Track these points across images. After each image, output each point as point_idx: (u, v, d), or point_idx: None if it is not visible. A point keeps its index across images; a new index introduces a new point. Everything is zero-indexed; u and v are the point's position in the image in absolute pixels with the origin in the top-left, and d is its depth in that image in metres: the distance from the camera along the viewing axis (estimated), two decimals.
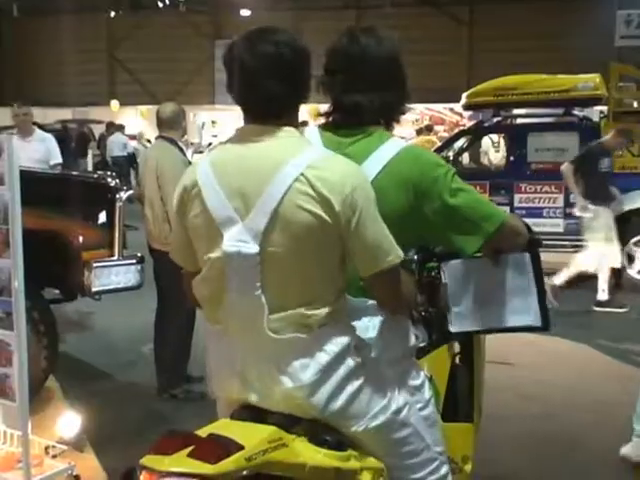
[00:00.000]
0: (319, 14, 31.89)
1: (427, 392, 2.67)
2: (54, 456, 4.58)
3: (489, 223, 2.56)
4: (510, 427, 5.61)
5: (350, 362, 2.34)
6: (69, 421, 4.99)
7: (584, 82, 10.60)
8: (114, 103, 31.73)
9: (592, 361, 7.24)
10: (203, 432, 2.18)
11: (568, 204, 10.32)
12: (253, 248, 2.25)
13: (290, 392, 2.31)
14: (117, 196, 5.93)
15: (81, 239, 5.70)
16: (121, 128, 23.72)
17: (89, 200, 5.92)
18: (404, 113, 2.95)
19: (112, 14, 26.53)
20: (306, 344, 2.29)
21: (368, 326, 2.49)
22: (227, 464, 2.02)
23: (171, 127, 6.08)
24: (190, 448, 2.06)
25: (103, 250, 5.84)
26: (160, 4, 25.01)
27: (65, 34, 30.37)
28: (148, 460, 2.07)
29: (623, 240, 10.14)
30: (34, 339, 5.50)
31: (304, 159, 2.26)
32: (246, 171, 2.31)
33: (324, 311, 2.30)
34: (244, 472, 2.06)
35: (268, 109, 2.37)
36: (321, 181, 2.23)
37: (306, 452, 2.27)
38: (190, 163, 6.05)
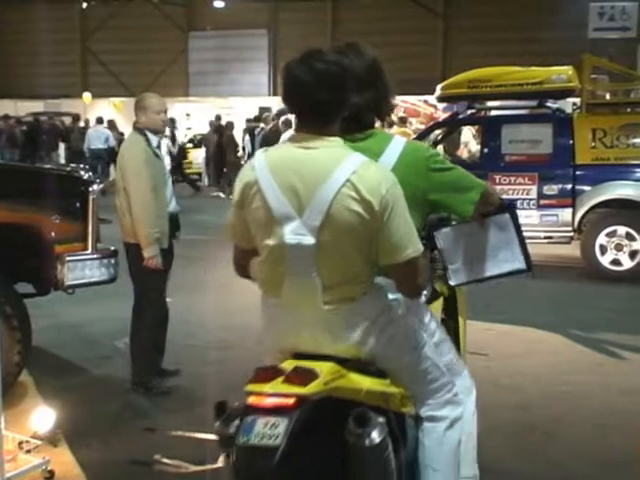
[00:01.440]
0: (295, 5, 31.82)
1: (433, 323, 3.33)
2: (28, 451, 4.55)
3: (475, 192, 3.27)
4: (486, 418, 5.61)
5: (383, 320, 2.96)
6: (43, 416, 4.96)
7: (557, 74, 10.63)
8: (86, 95, 31.50)
9: (565, 350, 7.29)
10: (286, 366, 2.84)
11: (542, 196, 10.37)
12: (311, 240, 2.81)
13: (339, 347, 2.94)
14: (90, 189, 5.88)
15: (54, 232, 5.66)
16: (101, 121, 23.56)
17: (62, 193, 5.87)
18: (393, 108, 3.77)
19: (85, 5, 26.30)
20: (350, 311, 2.91)
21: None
22: (313, 387, 2.68)
23: (141, 116, 6.08)
24: (282, 377, 2.75)
25: (76, 244, 5.80)
26: None
27: (37, 25, 30.16)
28: (253, 387, 2.88)
29: (596, 231, 10.23)
30: (7, 333, 5.47)
31: (349, 166, 2.78)
32: (300, 173, 2.82)
33: (362, 286, 2.92)
34: (321, 394, 2.71)
35: (317, 117, 2.86)
36: (363, 185, 2.75)
37: (360, 380, 2.90)
38: (157, 155, 6.00)
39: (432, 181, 3.18)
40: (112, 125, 23.70)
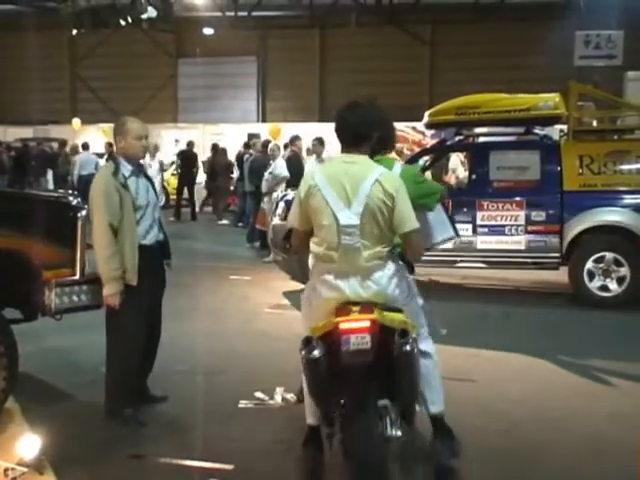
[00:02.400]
0: (283, 33, 31.98)
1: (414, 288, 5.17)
2: (14, 478, 4.54)
3: (438, 194, 5.62)
4: (472, 443, 5.62)
5: (398, 275, 4.65)
6: (29, 443, 4.93)
7: (544, 101, 10.70)
8: (76, 121, 31.52)
9: (553, 376, 7.28)
10: (353, 310, 4.39)
11: (529, 222, 10.41)
12: (357, 221, 4.43)
13: (375, 290, 4.50)
14: (78, 215, 5.87)
15: (42, 258, 5.64)
16: (86, 147, 23.60)
17: (50, 219, 5.86)
18: (394, 147, 5.85)
19: (74, 32, 26.34)
20: (381, 266, 4.54)
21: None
22: (377, 314, 4.35)
23: (117, 140, 5.97)
24: (356, 311, 4.36)
25: (64, 269, 5.78)
26: (123, 22, 24.87)
27: (27, 51, 30.22)
28: (339, 318, 4.35)
29: (584, 257, 10.26)
30: None
31: (376, 173, 4.49)
32: (346, 178, 4.48)
33: (386, 250, 4.56)
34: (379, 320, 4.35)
35: (357, 144, 4.64)
36: (385, 184, 4.45)
37: (392, 314, 4.44)
38: (125, 186, 5.79)
39: (416, 188, 5.21)
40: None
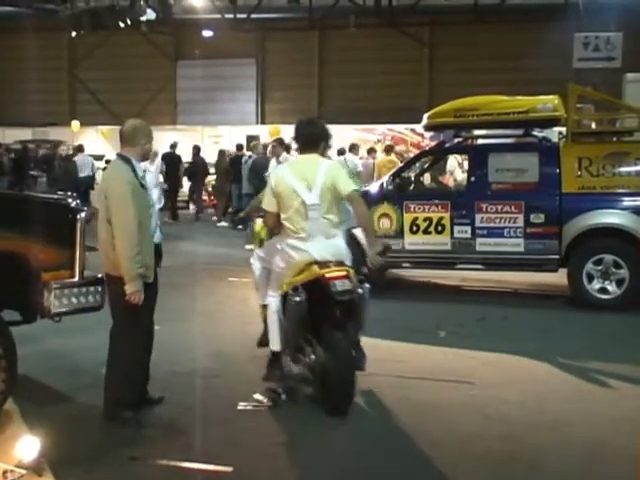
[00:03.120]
0: (282, 35, 31.98)
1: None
2: None
3: (354, 183, 6.44)
4: (470, 446, 5.62)
5: (344, 239, 6.48)
6: (28, 444, 4.93)
7: (543, 103, 10.70)
8: (75, 123, 31.51)
9: (552, 379, 7.28)
10: (326, 268, 6.13)
11: (528, 224, 10.41)
12: (318, 201, 6.20)
13: (333, 252, 6.23)
14: (77, 217, 5.87)
15: (41, 260, 5.64)
16: (81, 149, 23.62)
17: (49, 221, 5.86)
18: (330, 147, 6.97)
19: (73, 34, 26.31)
20: (337, 234, 6.33)
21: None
22: (348, 268, 6.26)
23: (129, 144, 5.98)
24: (332, 266, 6.14)
25: (63, 271, 5.78)
26: (122, 24, 24.85)
27: (25, 53, 30.22)
28: (322, 271, 6.08)
29: (583, 259, 10.27)
30: None
31: (326, 165, 6.38)
32: (307, 172, 6.28)
33: (339, 222, 6.36)
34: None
35: (312, 148, 6.46)
36: (334, 171, 6.31)
37: (349, 268, 6.22)
38: (143, 186, 5.92)
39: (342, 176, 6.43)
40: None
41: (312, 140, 6.49)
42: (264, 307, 6.80)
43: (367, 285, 6.33)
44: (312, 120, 6.88)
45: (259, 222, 7.78)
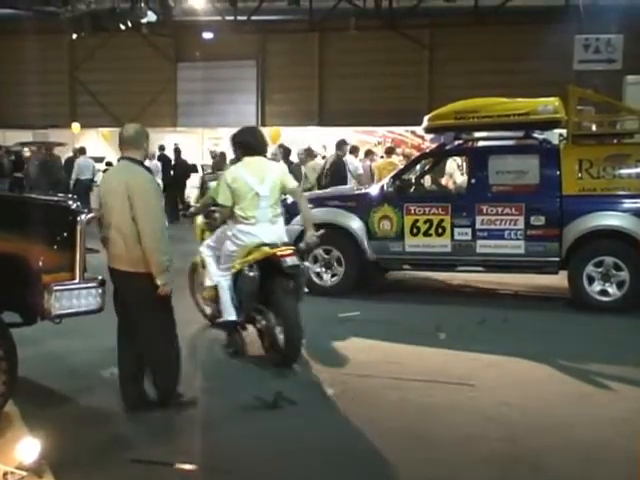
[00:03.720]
0: (282, 37, 31.95)
1: None
2: None
3: (295, 181, 8.27)
4: (471, 448, 5.62)
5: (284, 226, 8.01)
6: (28, 446, 4.93)
7: (544, 105, 10.69)
8: (75, 125, 31.49)
9: (553, 381, 7.28)
10: (276, 248, 7.50)
11: (529, 226, 10.41)
12: (268, 193, 7.56)
13: (277, 235, 7.64)
14: (78, 219, 5.87)
15: (41, 262, 5.63)
16: (83, 151, 23.67)
17: (49, 222, 5.86)
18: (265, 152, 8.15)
19: (74, 36, 26.28)
20: (280, 221, 7.79)
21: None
22: (292, 247, 7.69)
23: (134, 147, 6.16)
24: (280, 247, 7.53)
25: (64, 273, 5.77)
26: (122, 26, 24.82)
27: (26, 55, 30.19)
28: (275, 250, 7.46)
29: (583, 261, 10.26)
30: None
31: (274, 165, 8.28)
32: (258, 170, 7.63)
33: (280, 211, 7.83)
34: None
35: (259, 152, 7.84)
36: (280, 170, 8.02)
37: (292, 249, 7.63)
38: (158, 185, 6.45)
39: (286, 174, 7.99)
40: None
41: (254, 145, 7.83)
42: (212, 288, 8.11)
43: (305, 262, 8.00)
44: (254, 128, 8.62)
45: (200, 218, 9.08)
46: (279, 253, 7.42)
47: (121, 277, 6.09)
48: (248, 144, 7.80)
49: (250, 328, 8.00)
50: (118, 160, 6.48)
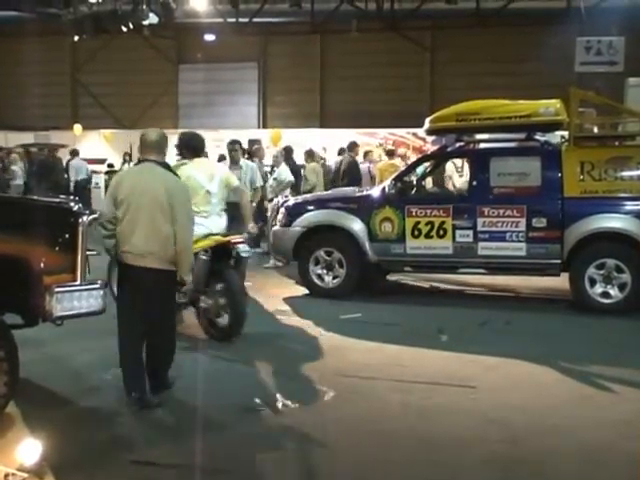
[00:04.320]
0: (284, 38, 31.96)
1: None
2: None
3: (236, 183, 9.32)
4: (472, 451, 5.61)
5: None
6: (30, 448, 4.93)
7: (545, 107, 10.68)
8: (77, 127, 31.53)
9: (554, 383, 7.27)
10: (229, 236, 8.67)
11: (530, 228, 10.40)
12: (217, 190, 8.72)
13: (223, 226, 8.84)
14: (80, 220, 5.87)
15: (43, 263, 5.63)
16: (76, 153, 23.96)
17: (51, 224, 5.87)
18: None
19: (76, 38, 26.31)
20: (224, 214, 8.89)
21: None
22: (240, 236, 8.85)
23: (158, 151, 6.47)
24: (228, 237, 8.64)
25: (65, 275, 5.77)
26: (124, 28, 24.84)
27: (27, 57, 30.18)
28: (224, 238, 8.56)
29: (585, 264, 10.25)
30: None
31: (219, 165, 10.74)
32: (207, 169, 8.86)
33: (224, 206, 8.96)
34: None
35: (200, 154, 9.03)
36: (225, 170, 9.46)
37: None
38: None
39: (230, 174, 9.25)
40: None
41: (201, 148, 9.03)
42: None
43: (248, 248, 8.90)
44: (197, 134, 9.16)
45: None
46: (233, 240, 8.57)
47: (151, 274, 6.28)
48: (195, 147, 8.89)
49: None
50: (139, 162, 6.82)
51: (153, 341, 6.49)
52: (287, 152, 16.57)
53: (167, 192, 6.27)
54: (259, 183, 12.33)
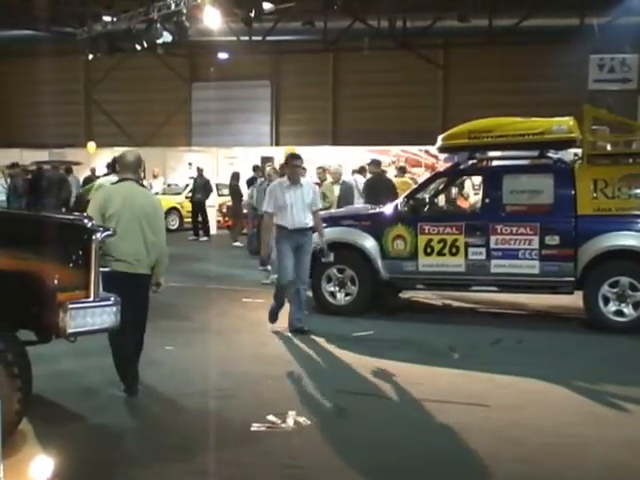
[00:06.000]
0: (297, 57, 32.12)
1: None
2: None
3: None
4: (485, 469, 5.58)
5: None
6: (42, 464, 4.93)
7: (558, 125, 10.69)
8: (91, 144, 31.72)
9: (567, 402, 7.23)
10: None
11: (543, 246, 10.37)
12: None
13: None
14: (93, 237, 5.89)
15: (56, 280, 5.64)
16: (70, 170, 24.79)
17: (64, 241, 5.89)
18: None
19: (90, 56, 26.52)
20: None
21: None
22: None
23: (133, 170, 7.31)
24: None
25: (78, 291, 5.79)
26: (138, 47, 25.01)
27: (42, 76, 30.42)
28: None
29: (598, 282, 10.21)
30: (7, 381, 5.45)
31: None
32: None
33: None
34: None
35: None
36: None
37: None
38: None
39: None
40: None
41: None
42: None
43: None
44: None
45: None
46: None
47: (142, 279, 7.08)
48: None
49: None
50: (119, 180, 7.40)
51: (136, 337, 7.20)
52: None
53: (151, 205, 7.20)
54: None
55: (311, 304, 11.12)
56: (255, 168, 21.33)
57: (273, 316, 10.24)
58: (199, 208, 23.30)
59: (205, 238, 22.85)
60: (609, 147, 11.83)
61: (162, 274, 7.27)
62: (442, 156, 22.11)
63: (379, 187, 15.25)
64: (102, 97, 35.72)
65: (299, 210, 9.88)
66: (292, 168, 10.13)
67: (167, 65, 33.33)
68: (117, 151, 31.01)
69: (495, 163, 12.18)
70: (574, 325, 10.65)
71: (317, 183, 17.17)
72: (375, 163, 16.64)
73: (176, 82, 34.67)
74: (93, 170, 26.56)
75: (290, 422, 6.45)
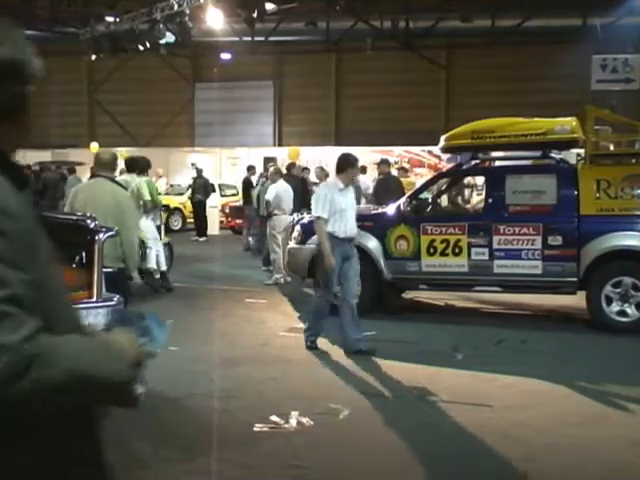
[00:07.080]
0: (300, 57, 32.13)
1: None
2: None
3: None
4: (489, 469, 5.58)
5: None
6: None
7: (561, 125, 10.69)
8: (94, 145, 31.74)
9: (570, 402, 7.23)
10: None
11: (546, 246, 10.37)
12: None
13: None
14: (96, 238, 5.91)
15: None
16: (73, 170, 24.89)
17: (68, 241, 5.90)
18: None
19: (93, 57, 26.56)
20: None
21: None
22: None
23: (110, 169, 7.66)
24: None
25: (82, 292, 5.81)
26: (141, 47, 25.06)
27: (46, 76, 30.38)
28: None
29: (601, 282, 10.20)
30: None
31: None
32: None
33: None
34: None
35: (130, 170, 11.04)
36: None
37: None
38: None
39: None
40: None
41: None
42: None
43: None
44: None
45: None
46: None
47: (116, 272, 7.06)
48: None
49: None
50: (92, 177, 7.85)
51: None
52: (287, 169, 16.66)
53: (116, 203, 7.26)
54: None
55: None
56: (249, 168, 21.30)
57: (313, 343, 9.19)
58: (200, 208, 23.15)
59: (203, 239, 22.58)
60: (612, 147, 11.84)
61: (133, 269, 7.41)
62: (445, 156, 22.13)
63: (390, 187, 15.29)
64: (105, 98, 35.75)
65: (353, 216, 9.05)
66: (355, 170, 9.32)
67: (170, 66, 33.36)
68: (120, 152, 31.28)
69: (498, 163, 12.17)
70: (577, 325, 10.64)
71: (316, 183, 17.21)
72: (386, 163, 16.70)
73: (179, 83, 34.70)
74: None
75: (293, 422, 6.46)
